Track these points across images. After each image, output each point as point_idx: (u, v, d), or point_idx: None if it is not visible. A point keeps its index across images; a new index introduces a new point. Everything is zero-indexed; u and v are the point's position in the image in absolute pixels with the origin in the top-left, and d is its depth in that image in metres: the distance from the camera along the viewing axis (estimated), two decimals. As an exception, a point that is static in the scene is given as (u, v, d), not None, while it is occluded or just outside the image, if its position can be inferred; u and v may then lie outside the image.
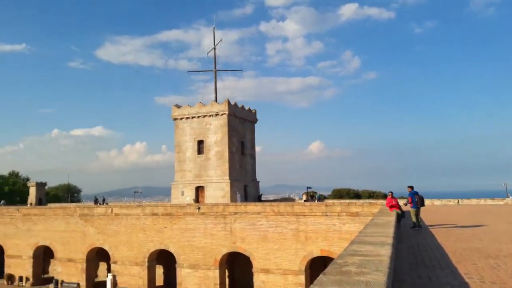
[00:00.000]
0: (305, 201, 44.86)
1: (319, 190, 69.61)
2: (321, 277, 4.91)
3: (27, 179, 70.03)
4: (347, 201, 36.97)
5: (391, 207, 17.14)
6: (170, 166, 50.42)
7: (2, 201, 54.26)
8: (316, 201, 45.11)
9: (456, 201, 40.40)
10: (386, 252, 6.57)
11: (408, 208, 17.92)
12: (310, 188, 52.07)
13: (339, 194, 75.69)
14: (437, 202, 39.06)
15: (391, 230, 9.53)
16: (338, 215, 28.87)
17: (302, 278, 29.34)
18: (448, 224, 18.27)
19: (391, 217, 13.42)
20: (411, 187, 17.21)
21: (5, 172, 71.80)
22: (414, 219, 16.31)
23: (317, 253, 29.40)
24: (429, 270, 8.33)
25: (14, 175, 71.73)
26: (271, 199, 61.52)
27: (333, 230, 28.86)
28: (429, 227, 16.89)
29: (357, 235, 9.21)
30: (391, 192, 18.20)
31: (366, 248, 7.08)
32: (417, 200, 16.63)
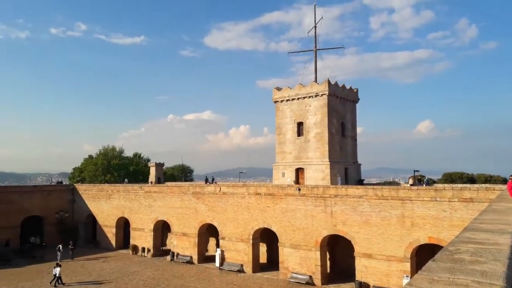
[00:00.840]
0: (411, 185, 42.42)
1: (428, 174, 65.15)
2: (430, 263, 4.78)
3: (148, 160, 78.25)
4: (460, 185, 33.96)
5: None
6: (272, 148, 51.53)
7: (126, 180, 61.71)
8: (424, 185, 42.35)
9: None
10: (505, 241, 6.06)
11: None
12: (417, 171, 48.92)
13: (451, 178, 69.87)
14: None
15: (511, 218, 8.67)
16: (449, 201, 26.81)
17: (407, 266, 28.13)
18: None
19: (513, 204, 12.10)
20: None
21: (130, 153, 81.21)
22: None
23: (424, 240, 27.82)
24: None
25: (137, 156, 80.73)
26: (373, 183, 59.44)
27: (443, 217, 26.95)
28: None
29: (471, 221, 8.57)
30: (513, 177, 16.23)
31: (481, 235, 6.61)
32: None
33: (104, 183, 61.22)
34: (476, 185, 32.22)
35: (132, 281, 33.62)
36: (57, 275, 32.21)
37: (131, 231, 46.11)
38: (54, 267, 33.04)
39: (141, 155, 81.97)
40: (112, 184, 53.66)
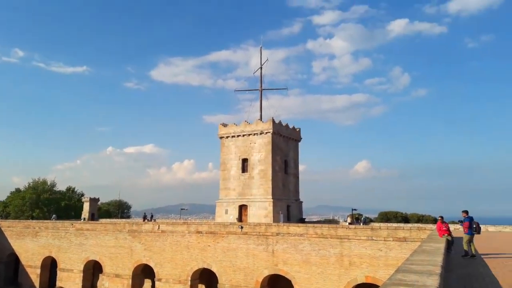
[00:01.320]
0: (350, 223, 43.61)
1: (365, 213, 67.52)
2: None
3: (82, 195, 73.82)
4: (394, 225, 35.50)
5: (443, 232, 16.28)
6: (216, 183, 51.10)
7: (54, 216, 57.36)
8: (361, 224, 43.70)
9: (514, 227, 37.52)
10: (432, 282, 6.24)
11: (461, 234, 16.95)
12: (355, 210, 50.63)
13: (386, 217, 72.84)
14: (491, 228, 36.49)
15: (439, 259, 9.03)
16: (385, 240, 27.77)
17: (346, 306, 28.30)
18: (504, 254, 17.00)
19: (441, 244, 12.74)
20: (466, 212, 16.27)
21: (63, 187, 76.16)
22: (465, 247, 15.37)
23: (361, 279, 28.31)
24: (482, 304, 7.78)
25: (70, 190, 75.88)
26: (314, 220, 60.43)
27: (378, 256, 27.75)
28: (482, 256, 15.80)
29: (403, 262, 8.81)
30: (441, 217, 17.30)
31: (411, 277, 6.77)
32: (475, 226, 15.70)
33: (31, 219, 56.45)
34: (409, 225, 33.85)
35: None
36: None
37: (58, 272, 42.41)
38: None
39: (75, 189, 77.31)
40: (40, 221, 49.60)
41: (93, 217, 57.16)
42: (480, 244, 20.43)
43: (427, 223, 53.51)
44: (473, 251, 15.36)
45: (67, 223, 44.81)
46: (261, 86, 53.88)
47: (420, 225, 34.82)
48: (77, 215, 62.83)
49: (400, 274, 7.12)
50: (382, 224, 36.42)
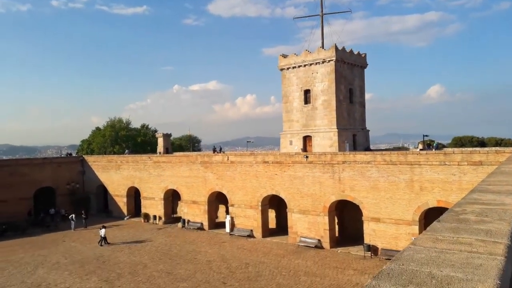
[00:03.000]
0: (421, 150, 42.22)
1: (437, 139, 64.54)
2: (435, 224, 4.77)
3: (155, 131, 78.67)
4: (469, 149, 33.73)
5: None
6: (279, 117, 51.43)
7: (126, 151, 62.28)
8: (433, 150, 42.13)
9: None
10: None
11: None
12: (427, 136, 48.52)
13: (461, 142, 69.25)
14: None
15: (521, 180, 8.58)
16: (458, 164, 26.71)
17: (416, 229, 28.43)
18: None
19: (523, 166, 11.99)
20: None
21: (137, 125, 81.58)
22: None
23: (433, 204, 27.96)
24: None
25: (144, 127, 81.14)
26: (382, 148, 59.26)
27: (451, 180, 26.95)
28: None
29: (479, 183, 8.53)
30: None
31: (488, 196, 6.57)
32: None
33: (113, 154, 61.90)
34: (486, 148, 31.97)
35: (145, 247, 34.61)
36: (102, 235, 35.75)
37: (142, 200, 47.00)
38: (100, 229, 36.59)
39: (148, 126, 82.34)
40: (121, 155, 54.26)
41: (167, 151, 61.07)
42: None
43: (507, 146, 50.11)
44: None
45: (145, 156, 48.59)
46: (322, 11, 50.99)
47: (498, 148, 32.73)
48: (152, 150, 67.57)
49: (476, 194, 6.94)
50: (455, 149, 34.78)
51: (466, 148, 37.02)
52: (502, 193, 6.95)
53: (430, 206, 28.23)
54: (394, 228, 29.48)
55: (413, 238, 27.93)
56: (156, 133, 71.29)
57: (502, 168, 11.47)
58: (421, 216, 28.57)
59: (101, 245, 35.26)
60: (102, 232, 35.93)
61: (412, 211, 28.65)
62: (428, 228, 4.65)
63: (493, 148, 29.79)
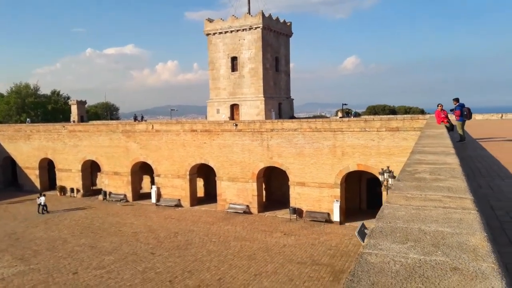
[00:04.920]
0: (341, 117, 44.51)
1: (353, 108, 68.61)
2: (397, 183, 4.91)
3: (68, 98, 72.57)
4: (387, 116, 36.35)
5: (442, 119, 16.66)
6: (202, 84, 50.47)
7: (28, 120, 57.24)
8: (352, 118, 44.67)
9: (500, 115, 38.98)
10: (453, 160, 6.46)
11: (454, 123, 17.42)
12: (346, 105, 51.31)
13: (374, 110, 74.41)
14: (478, 116, 37.82)
15: (448, 141, 9.34)
16: (377, 130, 28.63)
17: (337, 191, 30.24)
18: (496, 138, 17.78)
19: (442, 129, 13.12)
20: (457, 100, 16.51)
21: (47, 91, 74.39)
22: (461, 132, 15.89)
23: (353, 167, 29.85)
24: (488, 180, 8.23)
25: (55, 94, 74.27)
26: (302, 117, 61.41)
27: (371, 146, 28.87)
28: (477, 140, 16.50)
29: (414, 146, 9.09)
30: (441, 104, 17.42)
31: (429, 157, 7.00)
32: (466, 112, 16.06)
33: (20, 123, 56.14)
34: (403, 116, 34.66)
35: (63, 221, 32.39)
36: (42, 203, 35.18)
37: (57, 172, 43.55)
38: (38, 197, 35.77)
39: (60, 93, 75.60)
40: (31, 124, 49.34)
41: (82, 119, 57.00)
42: (472, 130, 21.24)
43: (415, 114, 55.02)
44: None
45: (58, 125, 44.69)
46: (248, -25, 49.91)
47: (413, 115, 35.69)
48: (65, 118, 62.48)
49: (417, 155, 7.35)
50: (375, 116, 37.20)
51: (385, 116, 39.73)
52: (439, 153, 7.44)
53: (351, 170, 30.13)
54: (317, 192, 31.05)
55: (335, 200, 29.84)
56: (69, 101, 65.99)
57: (426, 132, 12.43)
58: (342, 179, 30.41)
59: (42, 213, 34.91)
60: (42, 200, 35.32)
61: (335, 175, 30.33)
62: (393, 187, 4.75)
63: (409, 116, 32.38)
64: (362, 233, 20.17)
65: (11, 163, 47.07)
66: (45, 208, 35.36)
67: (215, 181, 35.32)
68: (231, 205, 33.95)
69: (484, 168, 9.69)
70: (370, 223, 29.50)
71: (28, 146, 45.11)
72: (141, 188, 42.36)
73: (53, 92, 74.38)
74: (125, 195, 39.26)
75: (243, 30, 45.53)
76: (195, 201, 36.96)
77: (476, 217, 3.31)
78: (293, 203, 31.93)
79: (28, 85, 69.33)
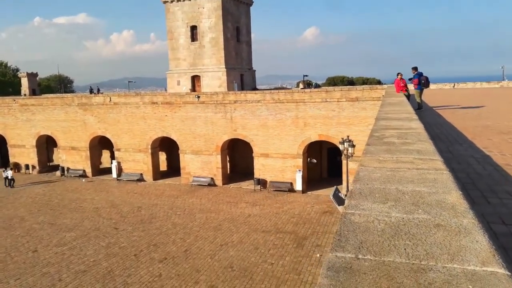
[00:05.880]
0: (302, 89, 44.77)
1: (313, 79, 69.11)
2: (368, 147, 4.98)
3: (17, 70, 68.10)
4: (347, 87, 36.96)
5: (401, 88, 17.08)
6: (161, 56, 48.86)
7: None
8: (313, 89, 45.02)
9: (452, 85, 40.72)
10: (418, 125, 6.66)
11: (412, 91, 17.96)
12: (306, 76, 51.58)
13: (333, 82, 75.59)
14: (432, 86, 39.21)
15: (410, 108, 9.62)
16: (338, 101, 29.11)
17: (300, 161, 30.78)
18: (450, 106, 18.58)
19: (402, 97, 13.49)
20: (415, 68, 16.92)
21: (-9, 63, 69.33)
22: (418, 100, 16.40)
23: (315, 137, 30.37)
24: (448, 145, 8.59)
25: (3, 65, 69.35)
26: (263, 89, 61.31)
27: (332, 116, 29.39)
28: (433, 108, 17.17)
29: (378, 113, 9.30)
30: (400, 73, 17.77)
31: (394, 123, 7.17)
32: (424, 81, 16.55)
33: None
34: (362, 86, 35.34)
35: (19, 199, 31.01)
36: (9, 177, 34.74)
37: (9, 148, 41.26)
38: (4, 171, 35.49)
39: (8, 65, 70.71)
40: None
41: (34, 92, 53.74)
42: (427, 98, 22.05)
43: (372, 84, 56.40)
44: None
45: (8, 99, 41.99)
46: None
47: (372, 86, 36.49)
48: (15, 92, 58.78)
49: (383, 121, 7.51)
50: (336, 87, 37.71)
51: (345, 87, 40.34)
52: (403, 119, 7.64)
53: (313, 140, 30.66)
54: (281, 162, 31.47)
55: (297, 170, 30.41)
56: (18, 73, 61.85)
57: (388, 101, 12.74)
58: (304, 150, 30.94)
59: (11, 187, 34.60)
60: (9, 173, 34.94)
61: (297, 146, 30.78)
62: (364, 151, 4.82)
63: (368, 86, 33.06)
64: (337, 197, 20.76)
65: (-44, 140, 44.01)
66: (12, 182, 34.94)
67: (178, 155, 34.86)
68: (195, 178, 33.78)
69: (442, 134, 10.10)
70: (332, 191, 30.43)
71: (-26, 121, 42.22)
72: (100, 163, 41.10)
73: (0, 64, 69.46)
74: (84, 171, 37.99)
75: (203, -3, 44.04)
76: (158, 175, 36.42)
77: (449, 177, 3.42)
78: (257, 174, 32.22)
79: (-30, 56, 64.25)
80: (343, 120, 29.03)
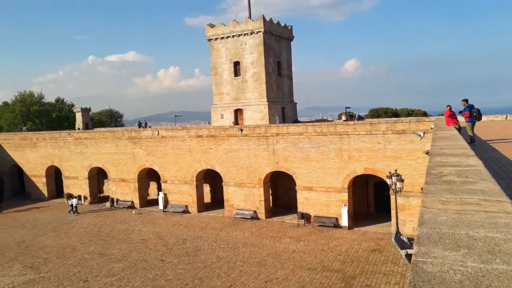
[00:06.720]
0: (345, 121, 44.42)
1: (355, 111, 68.41)
2: (428, 187, 4.86)
3: (72, 105, 72.91)
4: (393, 119, 36.24)
5: (451, 121, 16.56)
6: (204, 90, 50.70)
7: (24, 128, 57.45)
8: (356, 121, 44.50)
9: (504, 116, 38.84)
10: (476, 162, 6.42)
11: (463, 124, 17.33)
12: (349, 108, 51.19)
13: (377, 113, 74.35)
14: (483, 118, 37.64)
15: (464, 143, 9.28)
16: (384, 133, 28.53)
17: (345, 195, 30.10)
18: (504, 139, 17.68)
19: (455, 131, 13.05)
20: (466, 100, 16.39)
21: (51, 99, 74.74)
22: (470, 133, 15.79)
23: (360, 171, 29.72)
24: (508, 182, 8.16)
25: (60, 101, 74.60)
26: (304, 121, 61.38)
27: (377, 149, 28.76)
28: (487, 142, 16.41)
29: (431, 147, 9.05)
30: (450, 106, 17.30)
31: (451, 159, 6.95)
32: (475, 114, 15.97)
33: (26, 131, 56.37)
34: (408, 118, 34.55)
35: (72, 229, 32.38)
36: (74, 205, 37.84)
37: (64, 179, 43.62)
38: (70, 199, 38.81)
39: (64, 100, 75.95)
40: (37, 132, 49.51)
41: (87, 126, 57.14)
42: (480, 132, 21.14)
43: (418, 116, 54.87)
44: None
45: (64, 133, 44.80)
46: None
47: (419, 117, 35.54)
48: (70, 126, 62.71)
49: (438, 157, 7.29)
50: (380, 119, 37.08)
51: (390, 118, 39.61)
52: (459, 155, 7.38)
53: (358, 174, 30.00)
54: (325, 196, 30.93)
55: (343, 205, 29.71)
56: (73, 108, 66.24)
57: (439, 134, 12.37)
58: (349, 183, 30.28)
59: (75, 214, 37.44)
60: (74, 201, 37.89)
61: (342, 179, 30.21)
62: (425, 191, 4.71)
63: (415, 118, 32.26)
64: (398, 240, 19.95)
65: (18, 171, 47.20)
66: (76, 209, 37.83)
67: (221, 187, 35.28)
68: (239, 211, 33.86)
69: (501, 170, 9.62)
70: (381, 228, 29.37)
71: (34, 154, 45.25)
72: (148, 194, 42.36)
73: (57, 100, 74.77)
74: (132, 202, 39.26)
75: (245, 34, 45.69)
76: (202, 207, 36.90)
77: (521, 222, 3.26)
78: (300, 208, 31.80)
79: (32, 94, 69.80)
80: (390, 153, 28.32)
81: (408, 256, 17.46)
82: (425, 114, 67.87)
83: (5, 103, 70.66)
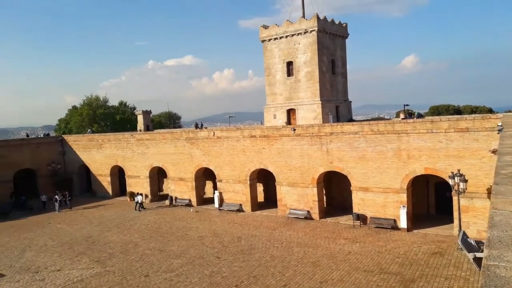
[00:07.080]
0: (403, 119, 42.72)
1: (414, 108, 65.50)
2: (497, 187, 4.60)
3: (134, 108, 76.84)
4: (455, 116, 34.32)
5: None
6: (258, 91, 51.21)
7: (89, 130, 60.97)
8: (415, 119, 42.62)
9: None
10: (553, 163, 5.96)
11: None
12: (407, 105, 49.19)
13: (438, 111, 70.70)
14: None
15: (539, 142, 8.62)
16: (445, 132, 27.12)
17: (404, 196, 29.00)
18: None
19: (527, 130, 12.13)
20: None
21: (114, 102, 79.36)
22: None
23: (420, 171, 28.47)
24: None
25: (123, 105, 78.96)
26: (359, 120, 59.83)
27: (439, 148, 27.39)
28: None
29: (499, 147, 8.51)
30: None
31: (523, 160, 6.50)
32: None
33: (92, 133, 60.37)
34: (472, 115, 32.57)
35: (134, 225, 34.18)
36: (139, 202, 39.88)
37: (126, 178, 46.15)
38: (136, 196, 40.97)
39: (127, 104, 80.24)
40: (102, 134, 52.85)
41: (148, 128, 59.87)
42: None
43: (482, 113, 51.42)
44: None
45: (127, 134, 47.38)
46: (302, -20, 49.79)
47: (484, 114, 33.38)
48: (132, 128, 66.10)
49: (507, 157, 6.86)
50: (442, 117, 35.27)
51: (452, 116, 37.58)
52: (533, 155, 6.89)
53: (418, 174, 28.77)
54: (382, 197, 30.00)
55: (401, 206, 28.64)
56: (135, 111, 69.71)
57: (508, 133, 11.57)
58: (408, 184, 29.13)
59: (139, 210, 39.55)
60: (139, 198, 40.08)
61: (400, 180, 29.13)
62: (494, 192, 4.48)
63: (479, 115, 30.36)
64: (465, 242, 19.04)
65: (86, 171, 50.65)
66: (142, 206, 39.96)
67: (274, 186, 35.45)
68: (292, 211, 33.84)
69: None
70: (442, 230, 27.96)
71: (100, 154, 48.31)
72: (204, 193, 43.62)
73: (121, 103, 79.14)
74: (190, 200, 40.66)
75: (298, 34, 45.47)
76: (256, 206, 37.33)
77: None
78: (356, 208, 31.12)
79: (98, 97, 74.48)
80: (452, 152, 26.85)
81: (476, 260, 16.46)
82: (490, 110, 63.48)
83: (74, 107, 76.05)
